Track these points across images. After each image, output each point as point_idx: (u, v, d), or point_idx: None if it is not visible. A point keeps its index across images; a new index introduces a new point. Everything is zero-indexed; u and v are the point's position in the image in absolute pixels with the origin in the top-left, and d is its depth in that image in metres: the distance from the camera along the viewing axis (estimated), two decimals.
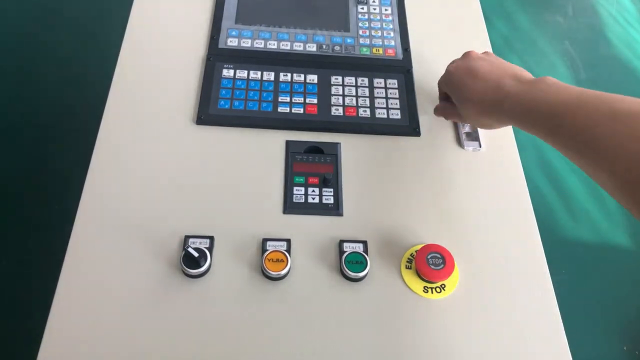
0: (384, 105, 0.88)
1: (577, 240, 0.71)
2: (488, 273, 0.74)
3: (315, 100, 0.87)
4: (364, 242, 0.74)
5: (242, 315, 0.68)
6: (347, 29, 0.97)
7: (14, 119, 1.21)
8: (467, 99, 0.75)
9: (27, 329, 0.90)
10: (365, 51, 0.94)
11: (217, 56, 0.91)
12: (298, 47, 0.93)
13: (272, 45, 0.93)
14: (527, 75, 0.71)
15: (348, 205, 0.78)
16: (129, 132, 0.81)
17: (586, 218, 0.88)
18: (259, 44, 0.93)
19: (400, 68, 0.93)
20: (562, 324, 0.70)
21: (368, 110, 0.87)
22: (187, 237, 0.72)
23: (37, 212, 1.05)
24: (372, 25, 0.98)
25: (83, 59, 1.36)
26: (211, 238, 0.73)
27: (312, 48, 0.94)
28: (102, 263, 0.70)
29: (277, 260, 0.71)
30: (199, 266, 0.69)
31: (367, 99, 0.88)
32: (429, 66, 0.94)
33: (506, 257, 0.75)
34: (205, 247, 0.71)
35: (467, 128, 0.87)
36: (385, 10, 1.01)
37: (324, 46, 0.94)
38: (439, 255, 0.71)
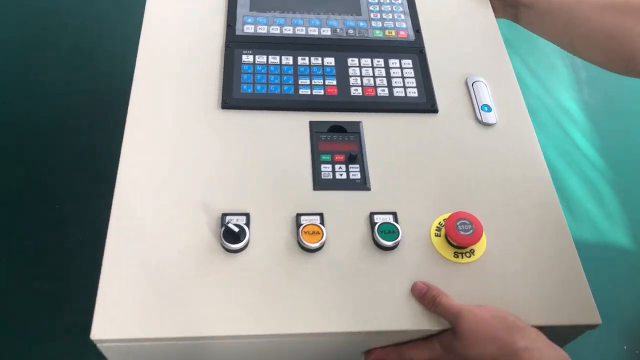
0: (401, 84, 0.91)
1: (577, 240, 0.73)
2: (512, 236, 0.77)
3: (334, 82, 0.90)
4: (394, 213, 0.77)
5: (281, 286, 0.71)
6: (358, 13, 1.00)
7: (13, 117, 1.18)
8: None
9: (27, 329, 0.90)
10: (378, 33, 0.97)
11: (235, 43, 0.93)
12: (313, 31, 0.96)
13: (288, 30, 0.96)
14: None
15: (374, 179, 0.81)
16: (157, 120, 0.83)
17: (586, 218, 0.89)
18: (275, 30, 0.95)
19: (413, 49, 0.96)
20: (584, 276, 0.74)
21: (386, 89, 0.90)
22: (224, 215, 0.75)
23: (37, 212, 1.04)
24: (382, 8, 1.01)
25: (89, 51, 1.35)
26: (247, 215, 0.75)
27: (326, 32, 0.96)
28: (143, 241, 0.72)
29: (313, 233, 0.73)
30: (239, 241, 0.71)
31: (384, 79, 0.91)
32: (440, 47, 0.97)
33: (527, 220, 0.79)
34: (243, 224, 0.74)
35: (483, 101, 0.90)
36: None
37: (338, 30, 0.97)
38: (467, 222, 0.74)
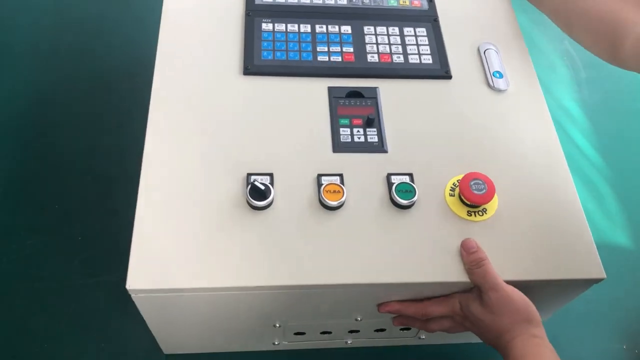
0: (416, 52, 0.94)
1: None
2: (522, 196, 0.81)
3: (351, 49, 0.93)
4: (410, 175, 0.81)
5: (303, 241, 0.75)
6: None
7: (13, 117, 1.15)
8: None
9: (28, 329, 0.92)
10: (392, 2, 1.00)
11: (255, 12, 0.96)
12: (329, 1, 0.99)
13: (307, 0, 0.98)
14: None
15: (391, 142, 0.84)
16: (182, 87, 0.86)
17: (586, 218, 0.90)
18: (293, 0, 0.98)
19: (427, 17, 0.99)
20: (590, 232, 0.78)
21: (401, 56, 0.93)
22: (249, 175, 0.79)
23: (37, 212, 1.03)
24: None
25: (90, 48, 1.29)
26: (271, 175, 0.79)
27: (342, 1, 0.99)
28: (174, 197, 0.76)
29: (334, 192, 0.77)
30: (265, 198, 0.75)
31: (400, 46, 0.94)
32: (453, 15, 1.00)
33: (537, 180, 0.82)
34: (268, 183, 0.78)
35: (494, 68, 0.93)
36: None
37: None
38: (480, 182, 0.78)
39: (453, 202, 0.79)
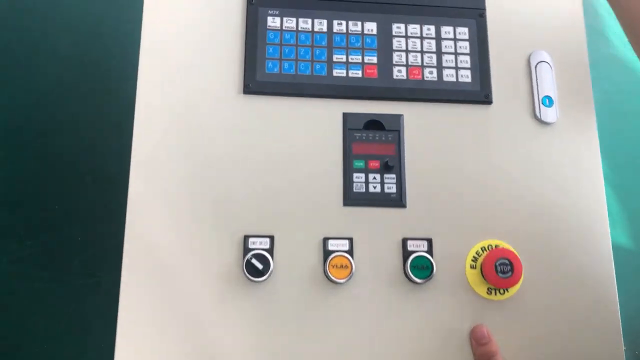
0: (453, 64, 0.77)
1: None
2: (551, 275, 0.72)
3: (374, 59, 0.76)
4: (429, 240, 0.71)
5: (304, 318, 0.68)
6: None
7: (13, 117, 1.12)
8: None
9: (28, 329, 0.91)
10: None
11: None
12: None
13: None
14: None
15: (411, 192, 0.73)
16: (166, 114, 0.73)
17: None
18: None
19: (471, 11, 0.79)
20: (621, 332, 0.71)
21: (434, 71, 0.77)
22: (246, 237, 0.69)
23: (37, 212, 1.01)
24: None
25: (89, 49, 1.21)
26: (271, 238, 0.70)
27: None
28: (160, 273, 0.68)
29: (341, 267, 0.69)
30: (263, 275, 0.67)
31: (434, 56, 0.77)
32: (504, 6, 0.80)
33: (570, 259, 0.73)
34: (266, 249, 0.69)
35: (545, 91, 0.77)
36: None
37: None
38: (507, 262, 0.69)
39: (473, 277, 0.71)
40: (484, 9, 0.80)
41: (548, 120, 0.76)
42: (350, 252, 0.70)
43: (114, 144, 1.09)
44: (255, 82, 0.74)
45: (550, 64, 0.78)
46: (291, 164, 0.73)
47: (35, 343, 0.91)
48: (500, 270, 0.69)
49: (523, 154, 0.76)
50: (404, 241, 0.71)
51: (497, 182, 0.74)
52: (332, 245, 0.70)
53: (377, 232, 0.72)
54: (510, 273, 0.69)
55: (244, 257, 0.68)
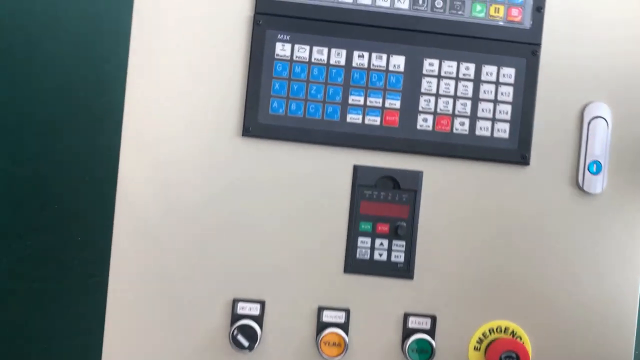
0: (490, 115, 0.66)
1: None
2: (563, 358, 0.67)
3: (397, 104, 0.65)
4: (433, 318, 0.66)
5: None
6: None
7: (13, 117, 1.07)
8: None
9: (28, 329, 0.91)
10: (479, 12, 0.66)
11: (268, 17, 0.65)
12: (382, 2, 0.65)
13: None
14: None
15: (420, 261, 0.66)
16: (153, 156, 0.65)
17: None
18: None
19: (524, 47, 0.66)
20: None
21: (466, 122, 0.66)
22: (235, 301, 0.65)
23: (37, 212, 0.98)
24: None
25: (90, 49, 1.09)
26: (262, 303, 0.65)
27: (403, 4, 0.65)
28: (144, 333, 0.65)
29: (334, 344, 0.64)
30: (250, 349, 0.64)
31: (469, 103, 0.66)
32: (563, 44, 0.66)
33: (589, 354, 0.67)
34: (255, 315, 0.65)
35: (595, 155, 0.66)
36: None
37: (421, 0, 0.65)
38: (513, 355, 0.64)
39: (476, 359, 0.66)
40: (539, 45, 0.66)
41: (591, 190, 0.66)
42: (345, 325, 0.65)
43: (114, 145, 1.05)
44: (257, 125, 0.65)
45: (608, 120, 0.66)
46: (290, 220, 0.66)
47: (35, 343, 0.92)
48: None
49: (554, 228, 0.66)
50: (406, 317, 0.66)
51: (519, 258, 0.66)
52: (327, 316, 0.65)
53: (377, 304, 0.66)
54: None
55: (231, 324, 0.64)
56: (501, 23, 0.66)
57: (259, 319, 0.65)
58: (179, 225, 0.65)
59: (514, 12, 0.66)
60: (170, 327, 0.65)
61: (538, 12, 0.66)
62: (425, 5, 0.65)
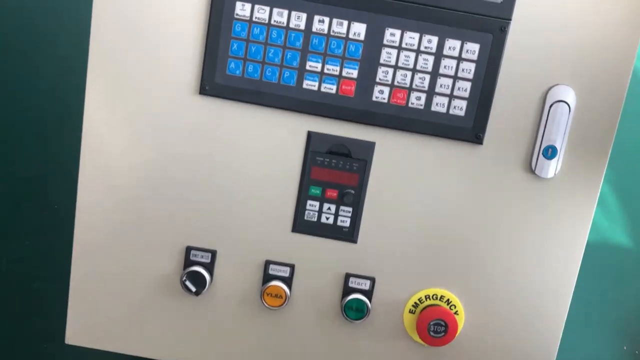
0: (448, 91, 0.64)
1: None
2: (493, 335, 0.70)
3: (354, 73, 0.65)
4: (372, 279, 0.69)
5: (236, 336, 0.72)
6: None
7: (13, 117, 1.06)
8: None
9: (28, 329, 0.94)
10: None
11: None
12: None
13: None
14: None
15: (365, 227, 0.69)
16: (116, 110, 0.67)
17: None
18: None
19: (493, 22, 0.63)
20: None
21: (423, 97, 0.65)
22: (189, 249, 0.70)
23: (37, 212, 0.99)
24: None
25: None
26: (214, 252, 0.70)
27: None
28: (108, 257, 0.71)
29: (276, 296, 0.69)
30: (197, 294, 0.69)
31: (427, 77, 0.64)
32: (533, 22, 0.63)
33: (518, 327, 0.70)
34: (207, 262, 0.70)
35: (551, 140, 0.65)
36: None
37: None
38: (442, 323, 0.68)
39: (410, 321, 0.71)
40: (509, 21, 0.63)
41: (543, 175, 0.66)
42: (289, 279, 0.70)
43: None
44: (214, 84, 0.65)
45: (571, 105, 0.64)
46: (244, 178, 0.68)
47: (35, 343, 0.95)
48: (433, 330, 0.68)
49: (502, 208, 0.67)
50: (347, 277, 0.70)
51: (463, 233, 0.68)
52: (272, 269, 0.70)
53: (321, 263, 0.70)
54: (442, 334, 0.68)
55: (184, 268, 0.69)
56: None
57: (209, 266, 0.70)
58: (139, 178, 0.68)
59: None
60: (130, 271, 0.71)
61: None
62: None
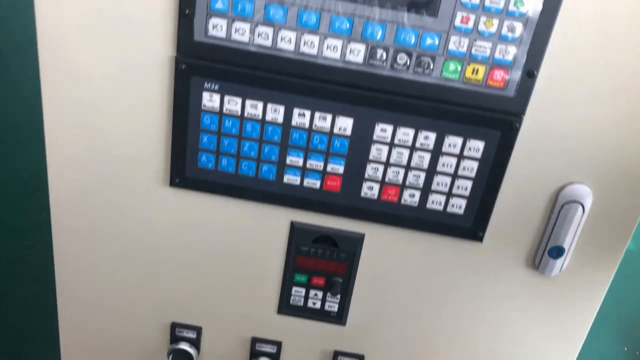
0: (445, 189, 0.57)
1: None
2: None
3: (340, 170, 0.57)
4: (361, 357, 0.68)
5: None
6: (433, 12, 0.50)
7: (13, 117, 1.00)
8: None
9: (28, 329, 0.93)
10: (451, 72, 0.52)
11: (191, 60, 0.53)
12: (331, 53, 0.52)
13: (287, 44, 0.52)
14: None
15: (355, 312, 0.65)
16: (90, 199, 0.62)
17: None
18: (263, 40, 0.52)
19: (501, 117, 0.53)
20: None
21: (417, 194, 0.58)
22: (174, 325, 0.68)
23: (37, 212, 0.95)
24: (482, 11, 0.49)
25: None
26: (199, 329, 0.68)
27: (357, 57, 0.52)
28: (93, 344, 0.70)
29: None
30: None
31: (422, 175, 0.57)
32: (544, 119, 0.53)
33: None
34: (192, 339, 0.68)
35: (559, 240, 0.58)
36: None
37: (380, 53, 0.52)
38: None
39: None
40: (521, 117, 0.53)
41: (546, 273, 0.60)
42: (277, 355, 0.68)
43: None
44: (184, 178, 0.59)
45: (585, 206, 0.56)
46: (227, 261, 0.64)
47: (35, 343, 0.94)
48: None
49: (498, 301, 0.63)
50: (335, 355, 0.68)
51: (455, 322, 0.65)
52: (259, 346, 0.68)
53: (309, 342, 0.68)
54: None
55: (170, 343, 0.69)
56: (481, 87, 0.52)
57: (196, 342, 0.69)
58: (120, 258, 0.65)
59: (497, 74, 0.52)
60: (115, 345, 0.70)
61: (529, 77, 0.52)
62: (383, 60, 0.52)
